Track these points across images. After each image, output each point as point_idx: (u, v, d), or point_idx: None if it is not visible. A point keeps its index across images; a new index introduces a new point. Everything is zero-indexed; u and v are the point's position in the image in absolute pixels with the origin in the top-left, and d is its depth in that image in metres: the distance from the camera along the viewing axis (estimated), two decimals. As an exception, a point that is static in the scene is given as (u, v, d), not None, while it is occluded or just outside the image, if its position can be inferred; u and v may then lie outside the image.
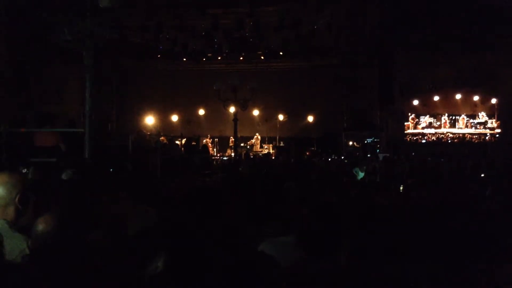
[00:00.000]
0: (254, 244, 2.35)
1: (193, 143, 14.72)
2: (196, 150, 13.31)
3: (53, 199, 2.58)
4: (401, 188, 5.39)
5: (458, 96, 16.99)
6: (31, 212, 2.25)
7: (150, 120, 19.15)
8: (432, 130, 17.38)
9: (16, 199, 2.23)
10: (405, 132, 17.44)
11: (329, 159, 14.25)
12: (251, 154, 15.57)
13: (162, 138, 15.47)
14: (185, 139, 15.01)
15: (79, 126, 7.37)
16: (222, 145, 18.61)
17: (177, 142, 14.97)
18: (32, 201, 2.28)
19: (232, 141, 17.85)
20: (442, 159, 12.37)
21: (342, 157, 15.13)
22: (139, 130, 17.05)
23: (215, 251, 1.81)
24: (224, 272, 1.58)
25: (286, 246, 2.21)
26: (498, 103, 16.73)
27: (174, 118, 19.43)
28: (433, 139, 17.35)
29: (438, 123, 17.37)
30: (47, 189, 2.74)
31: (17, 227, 2.20)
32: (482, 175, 8.33)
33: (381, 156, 9.57)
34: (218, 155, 17.85)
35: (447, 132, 17.26)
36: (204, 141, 17.32)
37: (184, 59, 16.82)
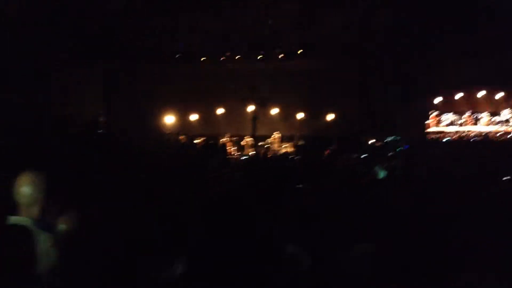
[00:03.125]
0: (278, 246, 2.36)
1: (211, 142, 14.81)
2: (214, 149, 13.38)
3: (76, 199, 2.65)
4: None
5: (481, 94, 16.64)
6: (55, 211, 2.32)
7: (169, 119, 19.29)
8: (455, 128, 17.06)
9: (41, 199, 2.29)
10: (427, 130, 17.16)
11: (348, 158, 14.11)
12: (268, 154, 15.54)
13: (181, 137, 15.63)
14: (203, 138, 15.13)
15: (96, 129, 7.37)
16: (241, 144, 18.62)
17: (196, 141, 15.10)
18: (56, 201, 2.34)
19: (246, 140, 17.88)
20: (463, 158, 12.11)
21: (363, 156, 14.96)
22: (161, 131, 17.25)
23: (238, 253, 1.82)
24: (247, 274, 1.60)
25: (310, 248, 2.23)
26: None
27: (193, 117, 19.52)
28: (455, 137, 17.03)
29: (461, 121, 17.05)
30: (70, 189, 2.81)
31: (41, 225, 2.27)
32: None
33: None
34: (237, 154, 17.88)
35: (469, 130, 16.92)
36: (223, 140, 17.38)
37: (203, 59, 16.89)
